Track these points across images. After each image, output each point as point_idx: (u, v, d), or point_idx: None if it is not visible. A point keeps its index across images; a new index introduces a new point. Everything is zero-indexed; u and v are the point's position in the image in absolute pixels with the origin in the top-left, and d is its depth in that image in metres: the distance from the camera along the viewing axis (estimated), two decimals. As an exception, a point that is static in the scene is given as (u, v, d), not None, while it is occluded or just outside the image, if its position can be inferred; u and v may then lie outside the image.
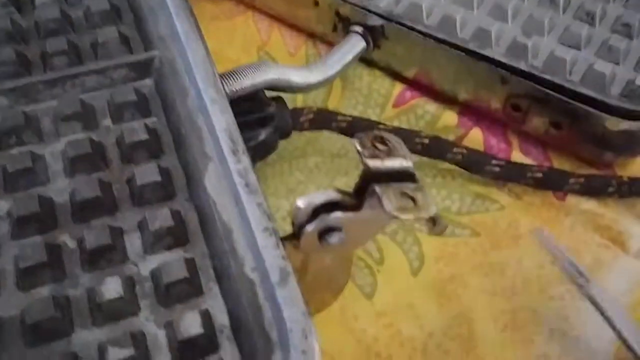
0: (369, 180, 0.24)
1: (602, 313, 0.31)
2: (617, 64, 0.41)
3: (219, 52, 0.47)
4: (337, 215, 0.25)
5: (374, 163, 0.24)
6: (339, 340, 0.35)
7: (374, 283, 0.37)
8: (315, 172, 0.42)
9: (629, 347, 0.29)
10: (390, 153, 0.25)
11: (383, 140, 0.25)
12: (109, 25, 0.34)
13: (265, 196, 0.26)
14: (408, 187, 0.24)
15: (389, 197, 0.23)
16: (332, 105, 0.45)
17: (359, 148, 0.24)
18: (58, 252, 0.27)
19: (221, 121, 0.28)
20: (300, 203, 0.24)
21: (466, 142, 0.42)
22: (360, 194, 0.25)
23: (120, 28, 0.34)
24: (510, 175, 0.40)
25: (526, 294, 0.37)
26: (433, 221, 0.39)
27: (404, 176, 0.25)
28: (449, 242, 0.39)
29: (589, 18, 0.43)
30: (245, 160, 0.27)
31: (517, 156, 0.42)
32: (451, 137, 0.42)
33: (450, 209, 0.40)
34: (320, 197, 0.24)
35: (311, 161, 0.43)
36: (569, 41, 0.42)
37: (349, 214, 0.25)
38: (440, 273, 0.38)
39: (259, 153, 0.38)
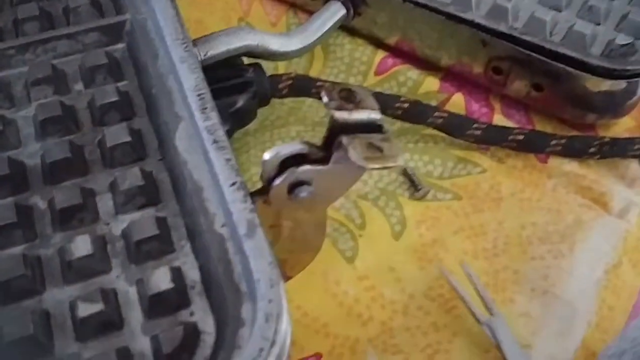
0: (337, 132, 0.24)
1: (500, 347, 0.31)
2: (598, 24, 0.41)
3: (200, 23, 0.47)
4: (306, 168, 0.25)
5: (340, 115, 0.24)
6: (322, 303, 0.35)
7: (356, 247, 0.37)
8: (297, 141, 0.42)
9: None
10: (358, 105, 0.25)
11: (351, 93, 0.25)
12: (81, -10, 0.34)
13: (234, 152, 0.26)
14: (375, 137, 0.24)
15: (355, 147, 0.23)
16: (314, 74, 0.45)
17: (326, 99, 0.24)
18: (29, 213, 0.27)
19: (190, 79, 0.28)
20: (267, 155, 0.24)
21: (448, 108, 0.42)
22: (328, 146, 0.25)
23: (92, -8, 0.34)
24: (492, 138, 0.40)
25: (507, 255, 0.37)
26: (415, 186, 0.39)
27: (372, 128, 0.24)
28: (431, 207, 0.39)
29: (570, -21, 0.43)
30: (214, 116, 0.26)
31: (500, 120, 0.42)
32: (433, 103, 0.42)
33: (432, 173, 0.40)
34: (287, 148, 0.24)
35: (293, 130, 0.43)
36: (550, 2, 0.42)
37: (318, 167, 0.25)
38: (421, 237, 0.38)
39: (238, 120, 0.38)
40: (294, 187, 0.25)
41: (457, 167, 0.40)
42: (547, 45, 0.38)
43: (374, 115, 0.25)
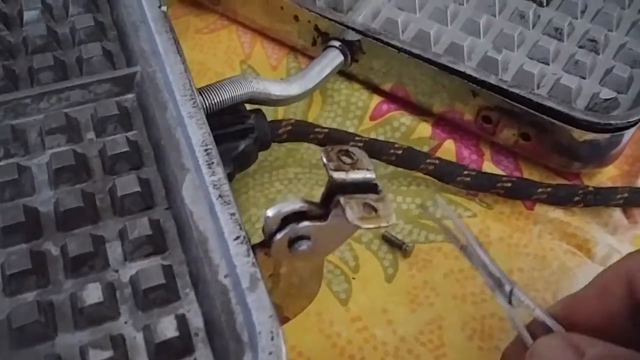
0: (334, 192, 0.26)
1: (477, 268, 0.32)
2: (584, 78, 0.43)
3: (203, 65, 0.49)
4: (305, 224, 0.26)
5: (338, 175, 0.26)
6: (316, 344, 0.37)
7: (349, 290, 0.39)
8: (295, 183, 0.44)
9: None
10: (354, 166, 0.26)
11: (348, 154, 0.27)
12: (94, 41, 0.35)
13: (238, 206, 0.27)
14: (370, 197, 0.26)
15: (351, 207, 0.25)
16: (312, 117, 0.47)
17: (325, 161, 0.26)
18: (42, 260, 0.28)
19: (197, 134, 0.29)
20: (270, 212, 0.26)
21: (440, 153, 0.44)
22: (326, 205, 0.26)
23: (104, 44, 0.35)
24: (481, 184, 0.41)
25: (494, 301, 0.38)
26: (399, 246, 0.40)
27: (367, 187, 0.26)
28: (423, 248, 0.40)
29: (557, 33, 0.45)
30: (220, 172, 0.28)
31: (489, 166, 0.44)
32: (425, 148, 0.44)
33: (424, 214, 0.42)
34: (288, 206, 0.26)
35: (291, 172, 0.44)
36: (538, 56, 0.44)
37: (316, 223, 0.26)
38: (413, 279, 0.39)
39: (239, 164, 0.40)
40: (293, 241, 0.27)
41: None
42: (534, 99, 0.40)
43: (370, 175, 0.26)
